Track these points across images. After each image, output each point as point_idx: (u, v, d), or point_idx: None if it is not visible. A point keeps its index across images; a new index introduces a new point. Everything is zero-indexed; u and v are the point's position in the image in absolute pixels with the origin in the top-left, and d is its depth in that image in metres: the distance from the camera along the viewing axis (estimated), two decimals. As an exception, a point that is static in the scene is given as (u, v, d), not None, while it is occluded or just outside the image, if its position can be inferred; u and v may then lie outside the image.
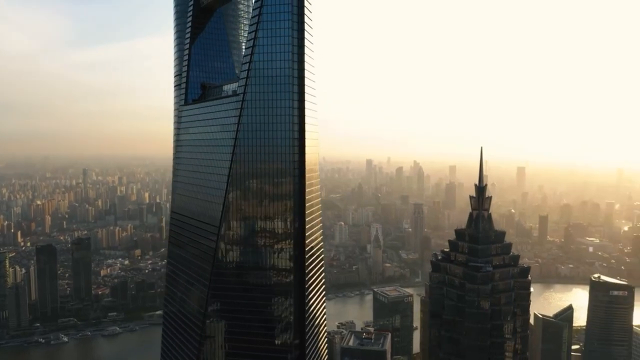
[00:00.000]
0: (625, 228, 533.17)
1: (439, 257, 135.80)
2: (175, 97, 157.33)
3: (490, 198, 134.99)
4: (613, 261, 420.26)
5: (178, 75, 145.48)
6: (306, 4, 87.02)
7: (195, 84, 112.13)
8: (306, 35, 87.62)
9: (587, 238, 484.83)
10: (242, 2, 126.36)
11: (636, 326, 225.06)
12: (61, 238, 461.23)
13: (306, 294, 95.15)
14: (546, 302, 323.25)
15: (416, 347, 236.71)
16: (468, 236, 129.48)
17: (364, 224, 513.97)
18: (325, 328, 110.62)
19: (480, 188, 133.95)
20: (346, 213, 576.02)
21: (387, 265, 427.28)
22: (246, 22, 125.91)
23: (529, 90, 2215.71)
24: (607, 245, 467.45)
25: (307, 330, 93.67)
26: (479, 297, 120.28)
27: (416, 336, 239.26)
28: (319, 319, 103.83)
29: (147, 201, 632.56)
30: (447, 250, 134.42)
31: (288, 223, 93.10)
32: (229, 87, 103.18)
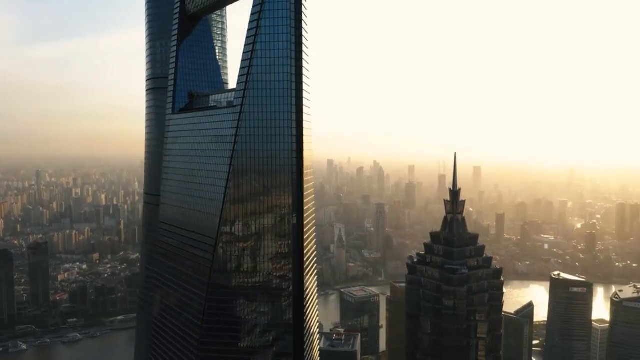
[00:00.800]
0: (578, 225, 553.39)
1: (415, 260, 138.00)
2: (148, 101, 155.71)
3: (464, 202, 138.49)
4: (568, 257, 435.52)
5: (152, 79, 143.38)
6: (303, 17, 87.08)
7: (183, 92, 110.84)
8: (303, 48, 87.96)
9: (542, 235, 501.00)
10: (219, 16, 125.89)
11: (594, 321, 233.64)
12: (15, 242, 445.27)
13: (304, 309, 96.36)
14: (506, 298, 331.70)
15: (382, 345, 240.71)
16: (443, 239, 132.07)
17: (327, 224, 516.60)
18: (317, 335, 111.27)
19: (454, 192, 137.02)
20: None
21: (351, 264, 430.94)
22: (225, 32, 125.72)
23: (482, 93, 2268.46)
24: (561, 242, 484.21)
25: (305, 340, 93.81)
26: (456, 299, 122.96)
27: (382, 334, 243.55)
28: (313, 327, 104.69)
29: (104, 203, 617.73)
30: (422, 252, 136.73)
31: (286, 235, 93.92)
32: (221, 98, 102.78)
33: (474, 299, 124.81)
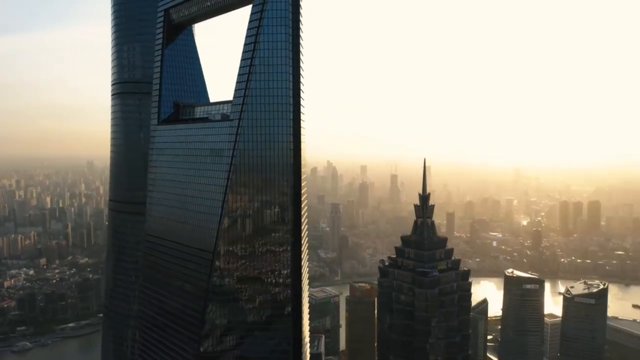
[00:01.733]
0: (524, 223, 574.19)
1: (387, 264, 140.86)
2: (114, 105, 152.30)
3: (433, 206, 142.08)
4: (515, 254, 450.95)
5: (119, 83, 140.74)
6: (300, 32, 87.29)
7: (168, 102, 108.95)
8: (300, 63, 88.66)
9: (491, 233, 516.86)
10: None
11: (545, 316, 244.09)
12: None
13: (302, 331, 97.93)
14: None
15: (342, 345, 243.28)
16: (414, 243, 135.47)
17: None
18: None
19: (424, 197, 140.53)
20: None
21: (308, 265, 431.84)
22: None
23: (433, 93, 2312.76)
24: (509, 239, 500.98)
25: (302, 350, 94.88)
26: (428, 301, 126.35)
27: (341, 334, 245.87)
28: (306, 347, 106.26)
29: (50, 206, 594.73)
30: (394, 256, 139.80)
31: (284, 247, 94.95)
32: (211, 109, 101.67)
33: (444, 300, 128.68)
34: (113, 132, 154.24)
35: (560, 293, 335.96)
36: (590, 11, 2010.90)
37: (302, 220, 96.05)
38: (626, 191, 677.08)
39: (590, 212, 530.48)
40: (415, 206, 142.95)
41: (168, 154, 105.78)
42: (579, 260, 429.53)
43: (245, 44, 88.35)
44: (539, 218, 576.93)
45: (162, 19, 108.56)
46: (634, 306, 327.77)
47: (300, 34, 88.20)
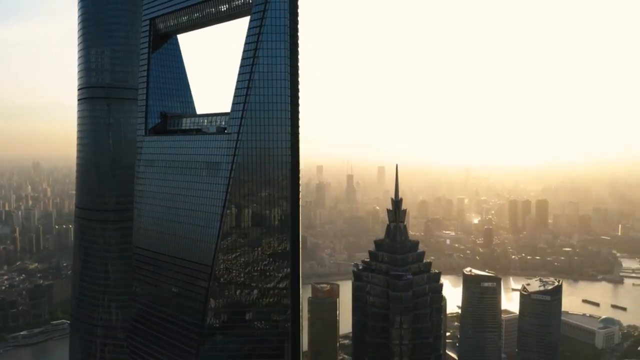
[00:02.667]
0: (475, 221, 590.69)
1: (360, 267, 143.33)
2: (82, 111, 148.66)
3: (405, 211, 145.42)
4: (468, 252, 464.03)
5: (86, 87, 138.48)
6: (298, 40, 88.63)
7: (155, 112, 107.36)
8: (298, 78, 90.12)
9: (444, 231, 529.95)
10: None
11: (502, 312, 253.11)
12: None
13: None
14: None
15: (304, 346, 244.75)
16: (387, 246, 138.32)
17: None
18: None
19: (396, 202, 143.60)
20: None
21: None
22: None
23: (386, 94, 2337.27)
24: (461, 237, 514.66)
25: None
26: (402, 304, 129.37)
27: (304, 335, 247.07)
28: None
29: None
30: (367, 260, 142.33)
31: (282, 261, 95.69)
32: (203, 121, 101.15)
33: (417, 302, 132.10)
34: (80, 137, 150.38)
35: (514, 289, 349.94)
36: (557, 12, 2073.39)
37: (299, 233, 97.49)
38: (572, 190, 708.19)
39: (538, 211, 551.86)
40: (388, 210, 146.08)
41: (158, 166, 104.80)
42: (529, 257, 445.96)
43: (244, 58, 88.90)
44: (490, 216, 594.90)
45: (147, 27, 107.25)
46: (584, 301, 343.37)
47: (298, 43, 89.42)
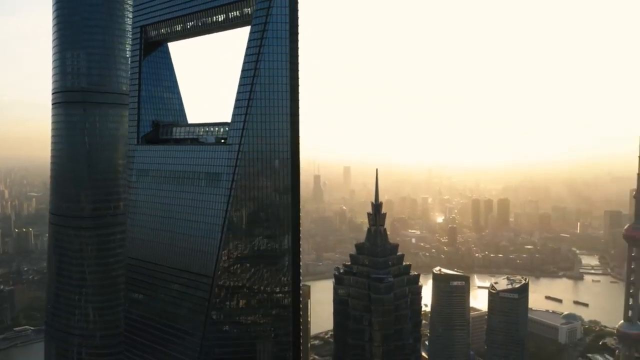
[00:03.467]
0: (440, 220, 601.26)
1: (342, 271, 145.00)
2: (56, 115, 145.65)
3: (385, 214, 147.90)
4: (434, 250, 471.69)
5: (61, 92, 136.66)
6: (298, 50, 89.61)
7: (146, 121, 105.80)
8: (298, 95, 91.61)
9: (410, 230, 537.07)
10: None
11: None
12: None
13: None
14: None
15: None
16: (367, 250, 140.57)
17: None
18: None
19: (376, 206, 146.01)
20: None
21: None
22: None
23: (346, 97, 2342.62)
24: (426, 236, 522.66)
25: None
26: (384, 306, 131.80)
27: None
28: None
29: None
30: (349, 263, 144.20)
31: (283, 270, 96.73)
32: (199, 130, 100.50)
33: (398, 304, 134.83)
34: (54, 142, 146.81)
35: (479, 287, 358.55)
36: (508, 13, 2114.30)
37: (300, 242, 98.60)
38: (531, 189, 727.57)
39: (500, 209, 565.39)
40: (369, 214, 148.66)
41: (152, 176, 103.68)
42: (492, 255, 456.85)
43: (244, 70, 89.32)
44: (453, 215, 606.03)
45: (138, 35, 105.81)
46: (547, 297, 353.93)
47: (298, 53, 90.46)
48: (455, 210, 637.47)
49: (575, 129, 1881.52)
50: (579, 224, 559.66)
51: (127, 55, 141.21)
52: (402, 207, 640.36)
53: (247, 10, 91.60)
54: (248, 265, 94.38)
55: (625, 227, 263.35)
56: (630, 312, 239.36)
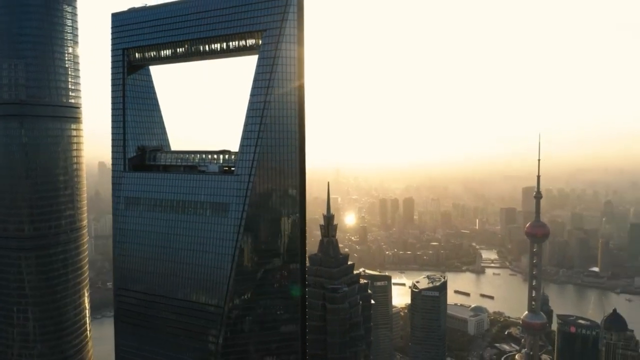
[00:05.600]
0: (350, 219, 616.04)
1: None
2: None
3: (336, 225, 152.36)
4: (347, 250, 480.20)
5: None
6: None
7: (132, 146, 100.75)
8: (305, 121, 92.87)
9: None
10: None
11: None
12: None
13: None
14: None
15: None
16: (320, 261, 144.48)
17: (110, 235, 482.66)
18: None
19: (328, 217, 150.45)
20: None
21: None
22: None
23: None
24: (338, 235, 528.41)
25: None
26: (340, 315, 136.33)
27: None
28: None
29: None
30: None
31: (292, 303, 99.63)
32: (191, 158, 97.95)
33: (352, 312, 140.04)
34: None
35: (394, 284, 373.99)
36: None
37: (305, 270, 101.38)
38: (431, 187, 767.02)
39: (406, 208, 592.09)
40: (321, 226, 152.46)
41: (145, 204, 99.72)
42: (401, 252, 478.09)
43: (253, 102, 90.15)
44: (363, 215, 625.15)
45: (120, 58, 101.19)
46: (456, 292, 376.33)
47: (304, 83, 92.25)
48: (364, 210, 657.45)
49: (471, 130, 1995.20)
50: (477, 220, 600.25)
51: (66, 66, 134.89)
52: (314, 207, 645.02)
53: (252, 41, 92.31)
54: (258, 294, 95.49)
55: (527, 225, 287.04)
56: (533, 303, 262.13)
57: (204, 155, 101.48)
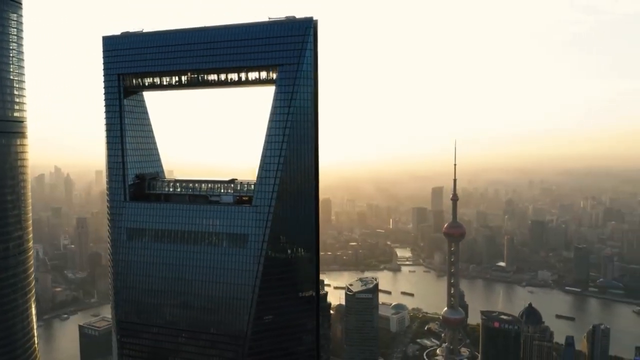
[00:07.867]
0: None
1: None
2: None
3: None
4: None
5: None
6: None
7: (130, 175, 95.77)
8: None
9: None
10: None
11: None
12: None
13: None
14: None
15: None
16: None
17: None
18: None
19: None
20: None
21: (57, 289, 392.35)
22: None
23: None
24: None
25: None
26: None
27: None
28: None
29: None
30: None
31: (308, 333, 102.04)
32: (202, 187, 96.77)
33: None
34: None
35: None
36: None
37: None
38: (347, 188, 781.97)
39: (324, 208, 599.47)
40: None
41: (150, 235, 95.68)
42: (321, 253, 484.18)
43: (271, 134, 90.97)
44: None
45: (115, 83, 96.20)
46: (380, 291, 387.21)
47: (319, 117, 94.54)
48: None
49: (383, 130, 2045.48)
50: (391, 220, 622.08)
51: (12, 77, 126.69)
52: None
53: (264, 74, 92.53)
54: (280, 325, 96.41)
55: (445, 225, 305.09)
56: (452, 300, 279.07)
57: (210, 185, 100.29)
